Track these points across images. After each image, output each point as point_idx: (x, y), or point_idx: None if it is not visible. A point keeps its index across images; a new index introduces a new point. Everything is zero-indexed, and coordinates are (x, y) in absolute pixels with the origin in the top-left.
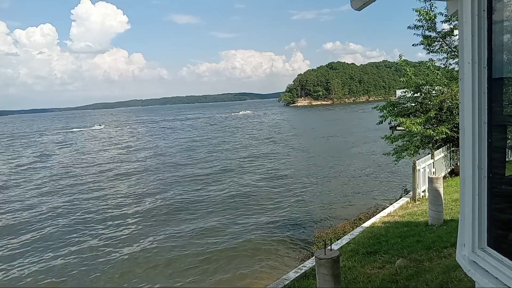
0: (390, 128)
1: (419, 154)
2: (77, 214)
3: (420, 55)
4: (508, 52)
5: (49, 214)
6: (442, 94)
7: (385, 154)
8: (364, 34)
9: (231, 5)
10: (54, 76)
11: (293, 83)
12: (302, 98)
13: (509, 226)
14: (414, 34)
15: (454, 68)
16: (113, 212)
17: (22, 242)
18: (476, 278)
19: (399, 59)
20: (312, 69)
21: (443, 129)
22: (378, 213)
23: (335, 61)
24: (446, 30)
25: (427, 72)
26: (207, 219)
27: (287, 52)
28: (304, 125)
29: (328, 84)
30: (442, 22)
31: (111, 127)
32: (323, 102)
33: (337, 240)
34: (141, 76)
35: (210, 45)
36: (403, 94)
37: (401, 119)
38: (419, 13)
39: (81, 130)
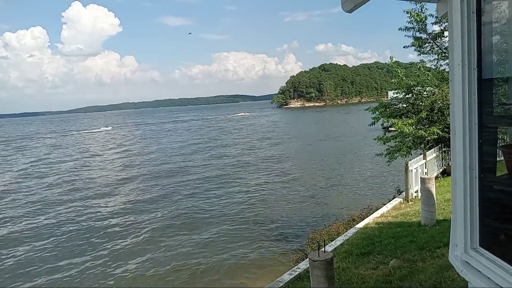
0: (383, 128)
1: (411, 154)
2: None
3: (411, 56)
4: (497, 53)
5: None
6: (433, 95)
7: (377, 155)
8: (355, 36)
9: (222, 7)
10: (45, 79)
11: (285, 85)
12: (295, 99)
13: (500, 226)
14: (405, 35)
15: (445, 69)
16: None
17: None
18: (469, 278)
19: (390, 60)
20: (305, 71)
21: (435, 130)
22: (372, 213)
23: (328, 63)
24: (437, 32)
25: (418, 73)
26: (209, 230)
27: (279, 54)
28: (299, 127)
29: (321, 85)
30: (432, 23)
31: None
32: (315, 104)
33: (331, 241)
34: (133, 78)
35: (202, 47)
36: (395, 95)
37: (393, 120)
38: (410, 14)
39: (90, 133)
